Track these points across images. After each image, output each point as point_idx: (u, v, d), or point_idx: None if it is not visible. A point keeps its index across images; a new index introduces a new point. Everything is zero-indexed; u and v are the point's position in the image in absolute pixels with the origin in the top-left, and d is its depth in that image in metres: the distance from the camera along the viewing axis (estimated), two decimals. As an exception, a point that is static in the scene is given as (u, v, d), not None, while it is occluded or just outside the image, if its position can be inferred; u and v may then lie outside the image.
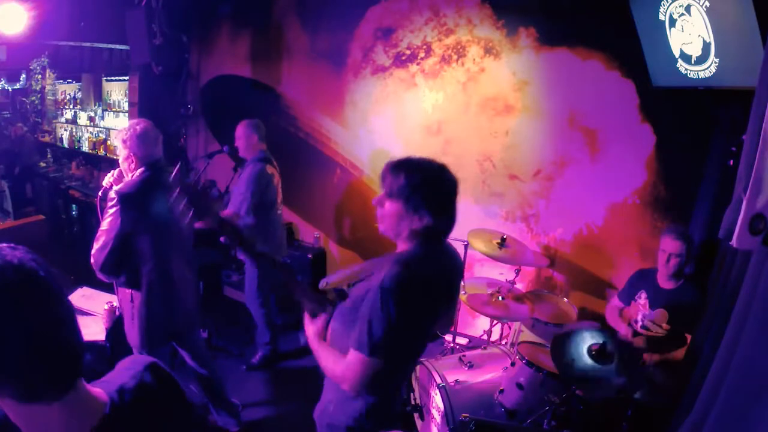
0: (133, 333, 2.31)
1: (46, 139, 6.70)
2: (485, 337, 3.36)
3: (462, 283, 3.01)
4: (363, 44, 3.96)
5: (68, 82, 6.33)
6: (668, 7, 2.33)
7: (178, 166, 1.23)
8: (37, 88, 6.75)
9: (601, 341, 2.11)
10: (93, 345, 2.44)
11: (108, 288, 2.54)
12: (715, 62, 2.16)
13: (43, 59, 6.52)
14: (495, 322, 3.24)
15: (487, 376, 2.61)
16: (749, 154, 1.42)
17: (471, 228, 3.10)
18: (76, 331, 0.73)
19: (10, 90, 7.01)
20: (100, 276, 2.17)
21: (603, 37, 3.07)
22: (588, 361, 2.09)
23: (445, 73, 3.67)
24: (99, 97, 5.78)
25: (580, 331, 2.21)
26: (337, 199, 4.33)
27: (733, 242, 1.42)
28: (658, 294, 2.47)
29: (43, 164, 6.45)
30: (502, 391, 2.46)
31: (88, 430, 0.73)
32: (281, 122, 4.42)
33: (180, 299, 2.40)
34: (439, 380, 2.50)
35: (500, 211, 3.63)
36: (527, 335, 2.87)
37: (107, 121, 5.63)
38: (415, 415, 2.78)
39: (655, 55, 2.59)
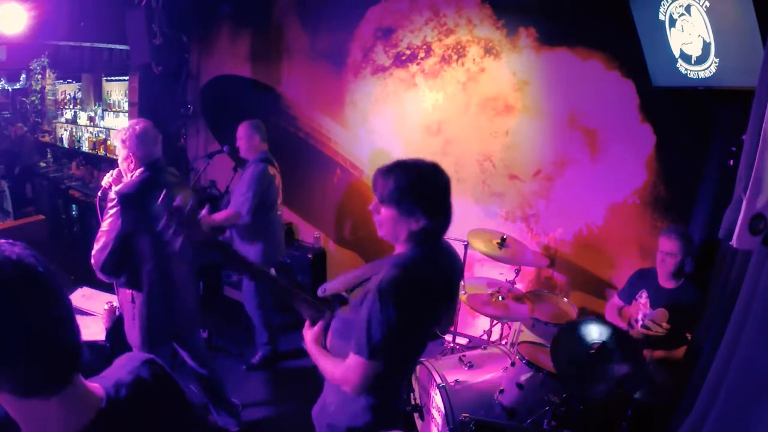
0: (134, 333, 2.31)
1: (46, 139, 6.70)
2: (485, 337, 3.36)
3: (462, 283, 3.02)
4: (363, 44, 3.96)
5: (68, 82, 6.33)
6: (668, 7, 2.33)
7: (164, 192, 1.21)
8: (37, 88, 6.75)
9: (600, 339, 2.11)
10: (93, 345, 2.44)
11: (108, 288, 2.54)
12: (715, 62, 2.16)
13: (43, 59, 6.52)
14: (495, 322, 3.24)
15: (487, 376, 2.61)
16: (749, 154, 1.42)
17: (471, 228, 3.10)
18: (74, 327, 0.73)
19: (10, 90, 7.01)
20: (101, 276, 2.17)
21: (603, 37, 3.07)
22: (588, 361, 2.08)
23: (445, 73, 3.67)
24: (99, 97, 5.78)
25: (579, 325, 2.21)
26: (337, 199, 4.33)
27: (733, 242, 1.42)
28: (659, 293, 2.47)
29: (43, 164, 6.45)
30: (502, 391, 2.46)
31: (84, 424, 0.73)
32: (281, 122, 4.42)
33: (180, 299, 2.40)
34: (439, 380, 2.50)
35: (500, 211, 3.63)
36: (527, 335, 2.87)
37: (107, 121, 5.63)
38: (415, 415, 2.78)
39: (655, 55, 2.59)
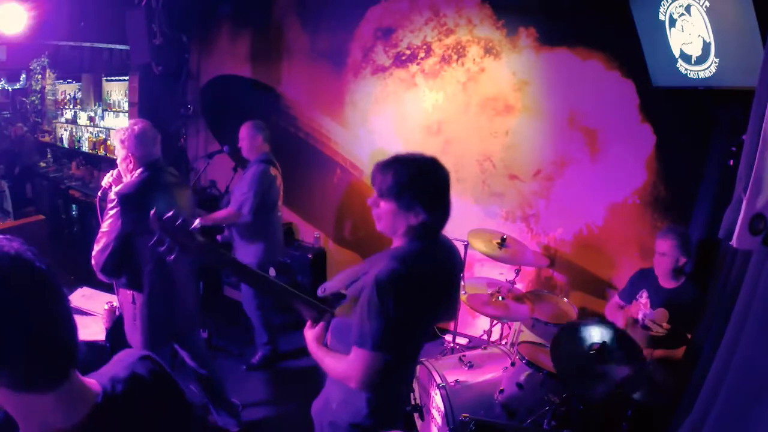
0: (135, 334, 2.31)
1: (46, 139, 6.70)
2: (485, 337, 3.36)
3: (462, 282, 3.02)
4: (363, 44, 3.96)
5: (68, 82, 6.33)
6: (668, 7, 2.33)
7: (154, 210, 1.19)
8: (37, 88, 6.75)
9: (601, 340, 2.11)
10: (93, 345, 2.44)
11: (108, 288, 2.54)
12: (715, 62, 2.16)
13: (43, 59, 6.52)
14: (495, 322, 3.24)
15: (487, 376, 2.61)
16: (749, 154, 1.42)
17: (471, 228, 3.10)
18: (71, 323, 0.74)
19: (10, 90, 7.01)
20: (101, 277, 2.17)
21: (603, 37, 3.07)
22: (588, 361, 2.08)
23: (445, 73, 3.67)
24: (99, 97, 5.78)
25: (580, 326, 2.21)
26: (337, 199, 4.33)
27: (733, 242, 1.42)
28: (659, 293, 2.47)
29: (43, 164, 6.44)
30: (502, 391, 2.46)
31: (80, 419, 0.74)
32: (281, 122, 4.42)
33: (181, 299, 2.40)
34: (439, 380, 2.50)
35: (500, 211, 3.63)
36: (527, 335, 2.87)
37: (107, 121, 5.63)
38: (415, 415, 2.78)
39: (655, 55, 2.59)
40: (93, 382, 0.80)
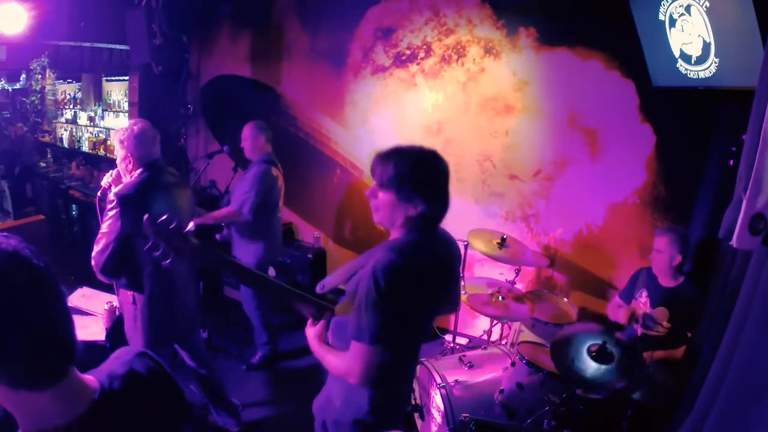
0: (136, 335, 2.30)
1: (46, 139, 6.70)
2: (485, 337, 3.36)
3: (462, 282, 3.02)
4: (363, 44, 3.96)
5: (68, 82, 6.33)
6: (668, 7, 2.33)
7: (147, 215, 1.19)
8: (37, 88, 6.75)
9: (600, 341, 2.11)
10: (93, 345, 2.44)
11: (108, 288, 2.54)
12: (715, 62, 2.16)
13: (43, 59, 6.52)
14: (495, 322, 3.24)
15: (487, 376, 2.61)
16: (749, 154, 1.42)
17: (471, 228, 3.10)
18: (69, 320, 0.74)
19: (10, 90, 7.01)
20: (101, 278, 2.17)
21: (603, 37, 3.07)
22: (588, 362, 2.08)
23: (445, 73, 3.67)
24: (99, 97, 5.78)
25: (579, 333, 2.21)
26: (337, 199, 4.33)
27: (733, 242, 1.42)
28: (659, 292, 2.48)
29: (43, 164, 6.44)
30: (502, 391, 2.46)
31: (78, 415, 0.74)
32: (281, 122, 4.42)
33: (181, 300, 2.40)
34: (439, 380, 2.50)
35: (500, 211, 3.63)
36: (527, 335, 2.87)
37: (107, 121, 5.63)
38: (415, 415, 2.78)
39: (655, 55, 2.59)
40: (91, 378, 0.80)
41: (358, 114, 4.09)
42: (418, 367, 2.70)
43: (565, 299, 3.10)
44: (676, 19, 2.32)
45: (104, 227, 2.10)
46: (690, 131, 2.87)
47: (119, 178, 2.32)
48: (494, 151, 3.57)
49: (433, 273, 1.45)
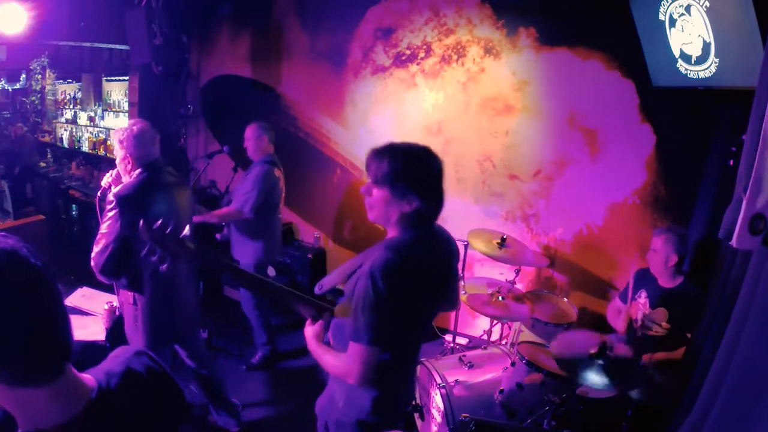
0: (136, 335, 2.30)
1: (46, 139, 6.69)
2: (485, 337, 3.36)
3: (462, 282, 3.02)
4: (363, 44, 3.96)
5: (68, 82, 6.33)
6: (668, 7, 2.33)
7: (143, 221, 1.19)
8: (37, 88, 6.74)
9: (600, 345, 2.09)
10: (93, 345, 2.44)
11: (108, 288, 2.54)
12: (715, 62, 2.16)
13: (43, 59, 6.52)
14: (495, 322, 3.24)
15: (487, 376, 2.60)
16: (749, 154, 1.42)
17: (471, 228, 3.10)
18: (65, 318, 0.74)
19: (10, 90, 7.01)
20: (101, 278, 2.17)
21: (603, 37, 3.07)
22: (590, 368, 2.05)
23: (445, 73, 3.67)
24: (99, 97, 5.78)
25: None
26: (337, 199, 4.33)
27: (733, 242, 1.42)
28: (658, 293, 2.47)
29: (43, 164, 6.44)
30: (502, 391, 2.46)
31: (75, 413, 0.74)
32: (281, 122, 4.42)
33: (181, 300, 2.40)
34: (439, 380, 2.50)
35: (500, 211, 3.63)
36: (527, 335, 2.87)
37: (107, 121, 5.63)
38: (415, 415, 2.78)
39: (655, 55, 2.59)
40: (89, 377, 0.81)
41: (358, 114, 4.09)
42: (418, 367, 2.70)
43: (565, 299, 3.10)
44: (676, 19, 2.31)
45: (104, 228, 2.10)
46: (690, 131, 2.87)
47: (119, 178, 2.31)
48: (494, 151, 3.57)
49: (431, 271, 1.45)
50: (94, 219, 2.58)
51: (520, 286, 3.14)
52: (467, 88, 3.61)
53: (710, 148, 2.75)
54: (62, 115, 6.43)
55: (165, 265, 1.20)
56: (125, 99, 5.11)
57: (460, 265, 3.15)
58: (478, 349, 2.87)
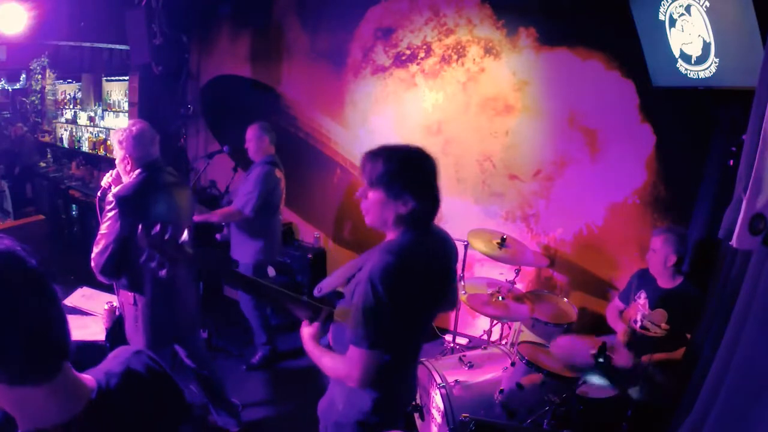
0: (136, 335, 2.30)
1: (46, 139, 6.70)
2: (485, 337, 3.36)
3: (462, 282, 3.02)
4: (363, 44, 3.96)
5: (68, 82, 6.33)
6: (668, 7, 2.33)
7: (141, 227, 1.20)
8: (37, 88, 6.75)
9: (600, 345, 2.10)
10: (93, 345, 2.44)
11: (108, 288, 2.54)
12: (715, 62, 2.16)
13: (43, 59, 6.52)
14: (495, 322, 3.24)
15: (487, 376, 2.60)
16: (749, 154, 1.41)
17: (471, 228, 3.10)
18: (61, 317, 0.75)
19: (10, 90, 7.02)
20: (101, 279, 2.17)
21: (603, 37, 3.06)
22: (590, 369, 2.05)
23: (445, 73, 3.67)
24: (99, 97, 5.78)
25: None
26: (337, 199, 4.33)
27: (733, 242, 1.42)
28: (658, 293, 2.47)
29: (43, 164, 6.44)
30: (502, 391, 2.46)
31: (75, 413, 0.74)
32: (281, 122, 4.42)
33: (182, 300, 2.40)
34: (439, 380, 2.50)
35: (500, 211, 3.63)
36: (527, 335, 2.87)
37: (107, 121, 5.64)
38: (415, 415, 2.78)
39: (655, 55, 2.59)
40: (89, 377, 0.81)
41: (358, 114, 4.09)
42: (419, 367, 2.70)
43: (565, 299, 3.10)
44: (676, 19, 2.31)
45: (103, 228, 2.10)
46: (690, 131, 2.87)
47: (119, 178, 2.31)
48: (494, 151, 3.57)
49: (430, 272, 1.45)
50: (94, 219, 2.58)
51: (520, 286, 3.14)
52: (467, 88, 3.61)
53: (710, 148, 2.75)
54: (62, 115, 6.43)
55: (164, 271, 1.20)
56: (125, 99, 5.11)
57: (460, 265, 3.16)
58: (478, 349, 2.87)
